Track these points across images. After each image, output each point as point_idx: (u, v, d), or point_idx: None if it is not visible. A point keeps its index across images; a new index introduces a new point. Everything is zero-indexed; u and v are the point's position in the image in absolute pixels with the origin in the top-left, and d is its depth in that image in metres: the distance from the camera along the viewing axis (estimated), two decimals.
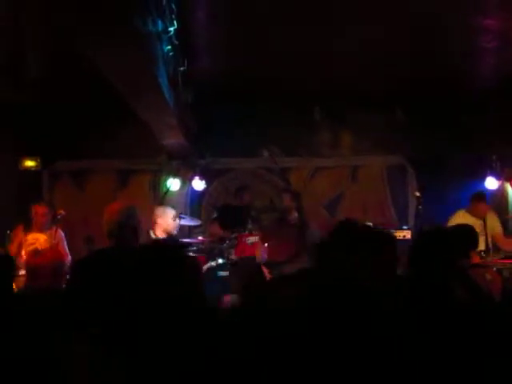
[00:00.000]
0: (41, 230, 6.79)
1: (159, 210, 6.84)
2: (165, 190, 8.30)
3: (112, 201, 8.95)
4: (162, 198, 8.06)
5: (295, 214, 7.38)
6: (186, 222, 7.58)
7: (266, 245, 7.23)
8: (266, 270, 7.05)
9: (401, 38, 6.37)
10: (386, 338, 2.76)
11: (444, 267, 3.26)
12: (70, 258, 6.91)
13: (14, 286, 4.46)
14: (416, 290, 3.08)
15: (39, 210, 7.02)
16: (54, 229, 6.98)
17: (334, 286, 2.38)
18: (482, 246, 7.21)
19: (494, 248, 7.68)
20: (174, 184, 8.59)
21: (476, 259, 5.10)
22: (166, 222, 6.70)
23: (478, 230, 7.22)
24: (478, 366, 2.77)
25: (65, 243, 7.15)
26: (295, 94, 8.30)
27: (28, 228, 6.85)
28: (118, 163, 9.52)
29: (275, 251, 7.18)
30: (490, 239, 7.65)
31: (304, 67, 7.28)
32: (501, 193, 8.84)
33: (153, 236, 6.64)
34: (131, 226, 4.07)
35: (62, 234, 7.15)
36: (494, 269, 6.37)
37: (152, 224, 6.70)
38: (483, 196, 7.82)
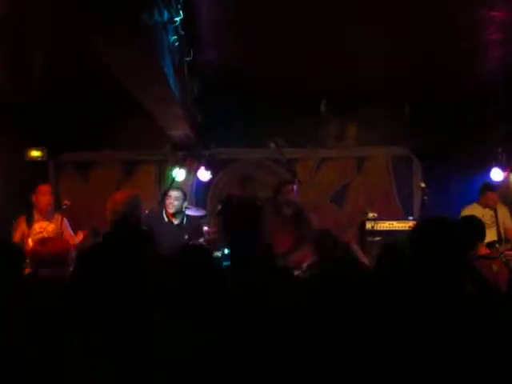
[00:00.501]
0: (45, 216, 6.86)
1: (165, 192, 7.40)
2: (170, 180, 8.29)
3: (117, 191, 9.06)
4: (167, 188, 8.05)
5: (294, 207, 7.28)
6: (192, 212, 7.59)
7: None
8: None
9: (404, 31, 6.35)
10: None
11: (450, 258, 3.26)
12: (74, 237, 6.95)
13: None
14: (421, 279, 3.08)
15: (43, 189, 7.09)
16: (60, 218, 6.97)
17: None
18: (493, 237, 7.23)
19: (506, 238, 7.69)
20: (179, 174, 8.59)
21: (483, 250, 5.09)
22: (167, 201, 7.23)
23: (488, 221, 7.27)
24: (483, 357, 2.78)
25: (71, 233, 7.15)
26: (301, 86, 8.28)
27: (31, 218, 6.84)
28: (123, 154, 9.54)
29: (275, 244, 7.15)
30: (502, 230, 7.65)
31: (310, 59, 7.25)
32: (506, 184, 8.82)
33: (165, 218, 7.23)
34: (135, 216, 4.08)
35: (67, 225, 7.14)
36: (504, 259, 6.38)
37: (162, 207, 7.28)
38: (491, 185, 7.84)
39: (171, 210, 7.21)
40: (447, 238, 3.18)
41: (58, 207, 7.32)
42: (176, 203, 7.21)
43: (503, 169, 8.58)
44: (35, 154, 9.07)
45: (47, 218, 6.85)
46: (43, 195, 7.02)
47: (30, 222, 6.71)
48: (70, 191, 9.05)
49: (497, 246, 6.95)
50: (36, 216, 6.92)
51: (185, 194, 7.46)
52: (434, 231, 3.19)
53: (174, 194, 7.29)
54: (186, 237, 6.94)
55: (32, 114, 8.67)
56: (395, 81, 8.05)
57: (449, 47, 6.86)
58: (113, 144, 9.40)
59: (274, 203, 7.28)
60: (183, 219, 7.32)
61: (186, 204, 7.38)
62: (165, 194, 7.32)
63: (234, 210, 3.67)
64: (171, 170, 8.85)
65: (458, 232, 3.28)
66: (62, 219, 6.95)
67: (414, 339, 2.82)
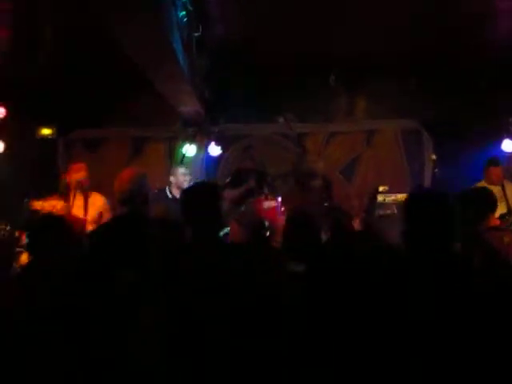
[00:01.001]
0: (84, 191, 6.30)
1: (172, 170, 7.59)
2: (181, 156, 8.32)
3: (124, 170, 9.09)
4: (177, 164, 8.08)
5: (319, 181, 7.40)
6: None
7: (282, 209, 7.24)
8: None
9: (414, 1, 6.31)
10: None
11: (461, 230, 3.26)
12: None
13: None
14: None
15: (76, 167, 6.48)
16: (103, 199, 6.52)
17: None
18: (504, 210, 7.19)
19: None
20: (189, 150, 8.60)
21: (495, 221, 5.08)
22: (177, 179, 7.38)
23: (497, 196, 7.22)
24: (492, 334, 2.78)
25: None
26: (310, 61, 8.24)
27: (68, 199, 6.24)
28: (132, 131, 9.54)
29: None
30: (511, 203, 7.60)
31: (319, 34, 7.22)
32: None
33: (169, 195, 7.37)
34: (143, 194, 4.09)
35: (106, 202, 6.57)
36: None
37: (168, 184, 7.45)
38: (494, 161, 7.75)
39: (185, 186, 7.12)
40: (441, 210, 3.17)
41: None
42: (187, 178, 7.35)
43: None
44: (45, 131, 9.09)
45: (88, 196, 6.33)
46: (79, 172, 6.39)
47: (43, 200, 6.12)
48: None
49: (507, 217, 6.94)
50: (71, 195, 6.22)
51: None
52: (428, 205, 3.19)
53: (182, 170, 7.44)
54: None
55: (41, 92, 8.67)
56: (404, 53, 8.01)
57: (460, 13, 6.78)
58: (122, 121, 9.40)
59: (298, 176, 7.38)
60: None
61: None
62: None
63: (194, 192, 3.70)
64: (181, 147, 8.87)
65: (451, 205, 3.27)
66: (104, 201, 6.48)
67: (420, 316, 2.82)
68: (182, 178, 7.36)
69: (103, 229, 3.38)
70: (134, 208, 3.90)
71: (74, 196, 6.14)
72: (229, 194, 7.92)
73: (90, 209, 6.21)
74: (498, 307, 2.83)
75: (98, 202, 6.39)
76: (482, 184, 7.59)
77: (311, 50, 7.84)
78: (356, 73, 8.93)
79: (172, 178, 7.46)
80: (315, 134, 9.53)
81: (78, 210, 6.09)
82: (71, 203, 6.05)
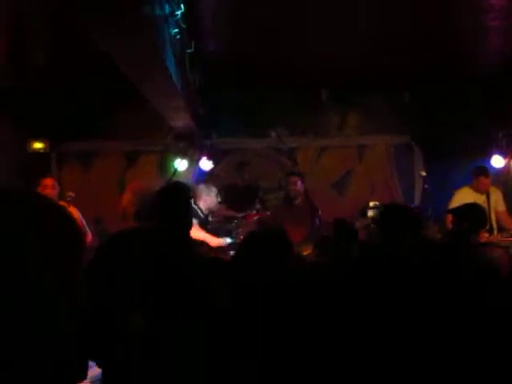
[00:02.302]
0: None
1: (203, 189, 7.26)
2: (173, 170, 8.34)
3: (120, 182, 9.12)
4: (169, 178, 8.10)
5: (302, 197, 7.46)
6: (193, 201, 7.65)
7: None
8: None
9: (405, 19, 6.39)
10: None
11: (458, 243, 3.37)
12: (90, 236, 7.06)
13: None
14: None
15: (48, 182, 7.14)
16: (70, 208, 6.99)
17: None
18: None
19: (498, 226, 7.69)
20: (181, 164, 8.63)
21: (483, 237, 5.14)
22: (211, 199, 7.16)
23: None
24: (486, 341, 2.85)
25: (83, 221, 7.26)
26: (302, 75, 8.30)
27: None
28: (125, 144, 9.55)
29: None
30: (493, 216, 7.64)
31: (311, 49, 7.28)
32: (507, 170, 8.83)
33: (201, 214, 7.06)
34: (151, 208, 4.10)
35: (79, 213, 7.24)
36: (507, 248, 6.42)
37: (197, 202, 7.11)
38: (483, 169, 7.77)
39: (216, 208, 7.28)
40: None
41: (61, 198, 7.37)
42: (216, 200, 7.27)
43: (504, 155, 8.58)
44: (38, 145, 9.10)
45: None
46: (45, 189, 7.05)
47: None
48: (73, 182, 9.09)
49: (486, 235, 6.94)
50: None
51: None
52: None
53: (215, 189, 7.30)
54: None
55: (33, 105, 8.69)
56: (395, 69, 8.08)
57: (449, 34, 6.89)
58: (115, 134, 9.41)
59: (284, 194, 7.45)
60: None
61: None
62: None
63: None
64: (173, 161, 8.89)
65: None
66: (78, 214, 7.11)
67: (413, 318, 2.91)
68: (214, 199, 7.23)
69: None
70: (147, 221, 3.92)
71: None
72: (221, 209, 7.95)
73: None
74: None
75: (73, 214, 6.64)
76: (467, 190, 7.64)
77: (303, 65, 7.90)
78: (347, 88, 9.01)
79: (204, 196, 7.20)
80: (306, 148, 9.58)
81: None
82: None
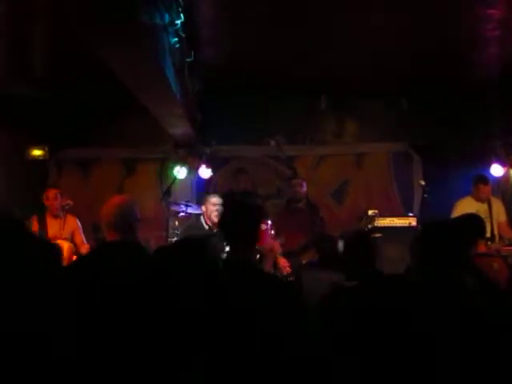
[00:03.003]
0: (55, 215, 7.13)
1: (204, 198, 7.22)
2: (172, 178, 8.33)
3: (119, 189, 9.12)
4: (169, 186, 8.08)
5: (304, 201, 7.51)
6: (192, 210, 7.62)
7: (272, 232, 7.22)
8: (284, 261, 7.03)
9: (404, 28, 6.40)
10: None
11: (453, 258, 3.35)
12: (87, 245, 7.08)
13: None
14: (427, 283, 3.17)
15: (50, 194, 7.19)
16: (74, 220, 7.28)
17: None
18: (487, 233, 7.19)
19: (500, 235, 7.68)
20: (180, 172, 8.62)
21: (482, 248, 5.12)
22: (207, 207, 6.96)
23: (483, 216, 7.22)
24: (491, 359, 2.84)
25: (81, 231, 7.32)
26: (301, 83, 8.31)
27: (43, 218, 7.07)
28: (124, 152, 9.55)
29: (289, 240, 7.23)
30: (495, 225, 7.62)
31: (309, 57, 7.30)
32: (506, 179, 8.84)
33: (205, 225, 6.92)
34: (132, 221, 4.04)
35: (78, 222, 7.35)
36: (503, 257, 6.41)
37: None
38: (482, 177, 7.75)
39: (216, 219, 6.61)
40: (448, 240, 3.31)
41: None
42: (219, 208, 6.78)
43: (503, 164, 8.59)
44: (37, 153, 9.10)
45: (58, 215, 7.16)
46: (47, 200, 7.17)
47: (42, 222, 7.00)
48: (71, 189, 9.05)
49: (489, 243, 6.94)
50: (48, 217, 7.16)
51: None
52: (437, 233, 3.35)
53: (215, 200, 6.95)
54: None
55: (32, 112, 8.68)
56: (394, 77, 8.10)
57: (448, 43, 6.90)
58: (114, 142, 9.41)
59: (287, 198, 7.50)
60: None
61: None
62: (205, 201, 7.09)
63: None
64: (172, 168, 8.88)
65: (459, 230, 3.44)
66: (76, 222, 7.32)
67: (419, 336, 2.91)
68: (212, 207, 6.86)
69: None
70: (126, 234, 3.84)
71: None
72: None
73: (66, 230, 7.13)
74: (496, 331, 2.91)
75: (72, 222, 7.27)
76: (469, 200, 7.62)
77: (301, 74, 7.91)
78: (346, 96, 9.02)
79: (203, 207, 7.04)
80: (305, 156, 9.58)
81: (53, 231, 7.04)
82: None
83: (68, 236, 7.11)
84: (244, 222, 3.34)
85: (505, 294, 3.81)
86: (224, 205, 3.76)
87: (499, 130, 8.63)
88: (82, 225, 7.44)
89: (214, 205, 6.86)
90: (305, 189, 7.63)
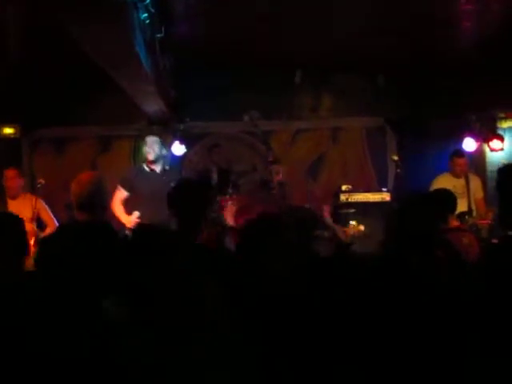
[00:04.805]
0: (13, 197, 6.99)
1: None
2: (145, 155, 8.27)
3: (93, 167, 9.05)
4: (142, 163, 8.03)
5: (277, 186, 7.48)
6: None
7: (234, 209, 7.19)
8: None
9: (379, 1, 6.38)
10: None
11: (425, 233, 3.39)
12: (55, 225, 7.00)
13: None
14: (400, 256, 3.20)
15: (8, 174, 7.10)
16: (34, 199, 6.97)
17: None
18: (464, 208, 7.27)
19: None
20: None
21: (454, 223, 5.17)
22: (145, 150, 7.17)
23: (460, 191, 7.30)
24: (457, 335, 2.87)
25: (49, 211, 7.18)
26: (275, 58, 8.26)
27: (2, 199, 6.96)
28: (98, 129, 9.47)
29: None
30: (473, 201, 7.66)
31: (284, 31, 7.24)
32: (479, 154, 8.88)
33: (146, 168, 7.13)
34: (102, 199, 4.00)
35: (43, 204, 7.15)
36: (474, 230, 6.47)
37: None
38: (458, 151, 7.83)
39: (151, 157, 6.98)
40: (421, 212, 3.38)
41: (32, 185, 7.32)
42: (155, 148, 7.02)
43: (476, 138, 8.62)
44: (8, 131, 8.98)
45: (17, 199, 7.01)
46: (8, 180, 7.07)
47: (2, 203, 6.88)
48: (45, 168, 9.01)
49: (466, 217, 7.02)
50: (7, 198, 7.03)
51: (161, 140, 7.29)
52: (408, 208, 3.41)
53: (150, 139, 7.10)
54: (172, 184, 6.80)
55: (4, 91, 8.56)
56: (369, 51, 8.06)
57: (423, 18, 6.87)
58: (87, 119, 9.33)
59: (262, 180, 7.49)
60: (165, 166, 7.17)
61: (164, 150, 7.29)
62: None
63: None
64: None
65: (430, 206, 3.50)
66: (35, 200, 6.93)
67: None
68: (147, 148, 7.06)
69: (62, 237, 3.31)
70: (93, 214, 3.79)
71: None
72: None
73: (27, 210, 6.70)
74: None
75: (35, 203, 6.90)
76: (447, 176, 7.68)
77: (276, 48, 7.85)
78: (321, 70, 8.99)
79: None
80: (280, 131, 9.55)
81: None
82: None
83: (30, 217, 6.76)
84: (190, 200, 3.48)
85: (472, 268, 3.84)
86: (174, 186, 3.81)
87: (473, 104, 8.65)
88: (57, 204, 7.38)
89: (150, 146, 7.03)
90: (281, 177, 7.58)
